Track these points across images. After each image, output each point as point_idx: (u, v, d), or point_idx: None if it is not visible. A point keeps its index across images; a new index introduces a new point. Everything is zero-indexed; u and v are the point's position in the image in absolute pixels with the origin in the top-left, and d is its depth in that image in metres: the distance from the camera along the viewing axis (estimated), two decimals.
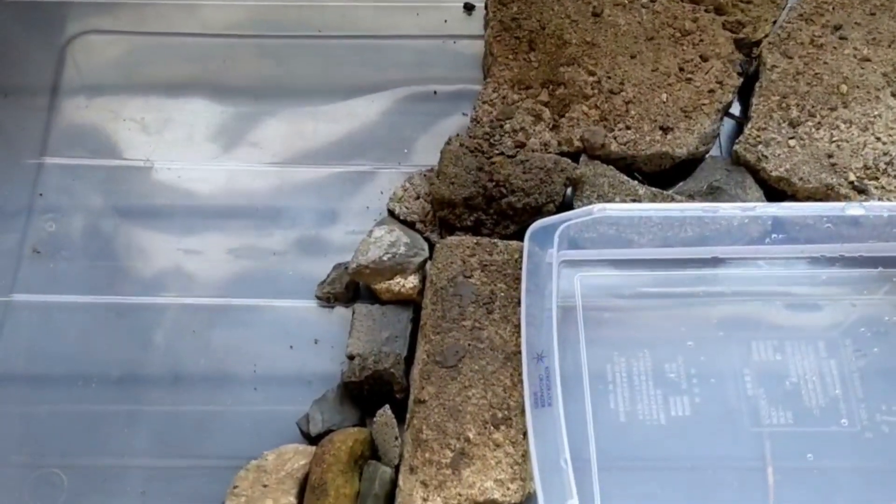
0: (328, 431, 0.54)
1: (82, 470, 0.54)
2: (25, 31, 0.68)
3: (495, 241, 0.57)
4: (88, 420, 0.55)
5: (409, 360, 0.55)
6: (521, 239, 0.56)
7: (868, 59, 0.62)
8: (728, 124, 0.65)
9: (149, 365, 0.57)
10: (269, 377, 0.57)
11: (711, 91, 0.62)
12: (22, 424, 0.55)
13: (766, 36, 0.64)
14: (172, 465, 0.54)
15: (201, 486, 0.53)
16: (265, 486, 0.51)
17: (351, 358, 0.55)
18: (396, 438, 0.52)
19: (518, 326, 0.53)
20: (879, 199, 0.57)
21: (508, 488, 0.49)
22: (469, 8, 0.69)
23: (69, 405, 0.55)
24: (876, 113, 0.60)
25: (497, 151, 0.60)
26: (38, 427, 0.55)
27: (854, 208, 0.54)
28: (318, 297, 0.59)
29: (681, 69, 0.63)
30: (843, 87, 0.61)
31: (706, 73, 0.63)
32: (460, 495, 0.49)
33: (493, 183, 0.58)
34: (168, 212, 0.62)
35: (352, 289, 0.59)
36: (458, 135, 0.60)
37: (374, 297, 0.58)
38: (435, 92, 0.66)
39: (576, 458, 0.49)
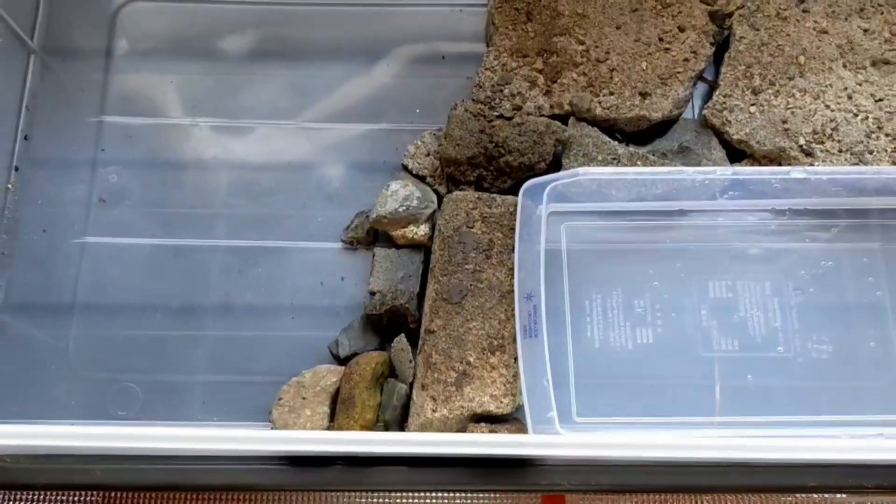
0: (354, 354, 0.64)
1: (153, 384, 0.65)
2: (79, 0, 0.76)
3: (494, 195, 0.66)
4: (156, 343, 0.66)
5: (421, 296, 0.65)
6: (517, 192, 0.64)
7: (825, 32, 0.70)
8: (702, 86, 0.73)
9: (203, 297, 0.67)
10: (304, 308, 0.67)
11: (686, 60, 0.71)
12: (102, 345, 0.66)
13: (739, 8, 0.72)
14: (227, 380, 0.65)
15: (251, 397, 0.64)
16: (304, 398, 0.63)
17: (372, 294, 0.66)
18: (410, 361, 0.63)
19: (512, 270, 0.63)
20: (823, 162, 0.66)
21: (501, 402, 0.61)
22: None
23: (140, 331, 0.66)
24: (828, 83, 0.68)
25: (496, 114, 0.69)
26: (116, 348, 0.66)
27: (798, 172, 0.63)
28: (343, 241, 0.69)
29: (660, 39, 0.71)
30: (801, 59, 0.69)
31: (682, 42, 0.71)
32: (462, 407, 0.60)
33: (493, 144, 0.67)
34: (212, 164, 0.71)
35: (372, 234, 0.69)
36: (462, 100, 0.69)
37: (391, 242, 0.68)
38: (443, 56, 0.74)
39: (557, 378, 0.60)
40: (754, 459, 0.52)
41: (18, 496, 0.65)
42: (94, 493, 0.64)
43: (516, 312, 0.61)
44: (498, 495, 0.64)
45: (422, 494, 0.64)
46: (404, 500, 0.63)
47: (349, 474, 0.55)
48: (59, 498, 0.65)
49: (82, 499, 0.64)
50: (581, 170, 0.63)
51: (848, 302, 0.64)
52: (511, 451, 0.48)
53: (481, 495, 0.63)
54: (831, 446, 0.49)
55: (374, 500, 0.63)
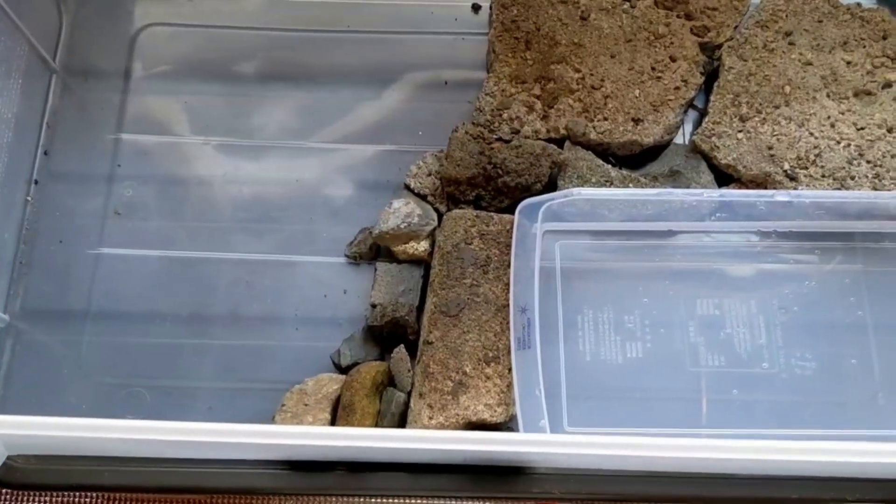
0: (355, 364, 0.66)
1: (161, 389, 0.67)
2: (102, 23, 0.78)
3: (491, 214, 0.69)
4: (165, 350, 0.68)
5: (420, 309, 0.68)
6: (514, 212, 0.67)
7: (810, 63, 0.73)
8: (692, 113, 0.76)
9: (212, 307, 0.70)
10: (308, 319, 0.70)
11: (677, 88, 0.74)
12: (113, 352, 0.68)
13: (728, 40, 0.75)
14: (232, 386, 0.68)
15: (255, 403, 0.66)
16: (306, 404, 0.65)
17: (373, 306, 0.69)
18: (409, 371, 0.66)
19: (508, 285, 0.65)
20: (806, 186, 0.69)
21: (496, 411, 0.63)
22: (476, 8, 0.80)
23: (150, 338, 0.68)
24: (812, 111, 0.71)
25: (495, 137, 0.72)
26: (126, 354, 0.68)
27: (782, 196, 0.66)
28: (347, 256, 0.72)
29: (653, 68, 0.74)
30: (787, 88, 0.72)
31: (674, 72, 0.74)
32: (458, 415, 0.63)
33: (492, 165, 0.70)
34: (223, 181, 0.74)
35: (374, 249, 0.71)
36: (463, 123, 0.72)
37: (392, 257, 0.70)
38: (446, 82, 0.77)
39: (549, 389, 0.62)
40: (739, 461, 0.54)
41: (28, 496, 0.67)
42: (102, 494, 0.67)
43: (511, 325, 0.63)
44: (491, 502, 0.66)
45: (419, 500, 0.66)
46: None
47: (349, 479, 0.57)
48: (67, 499, 0.67)
49: (90, 500, 0.67)
50: (575, 190, 0.66)
51: (830, 320, 0.67)
52: (500, 448, 0.50)
53: (476, 502, 0.66)
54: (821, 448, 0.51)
55: None
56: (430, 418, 0.63)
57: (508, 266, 0.66)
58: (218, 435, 0.51)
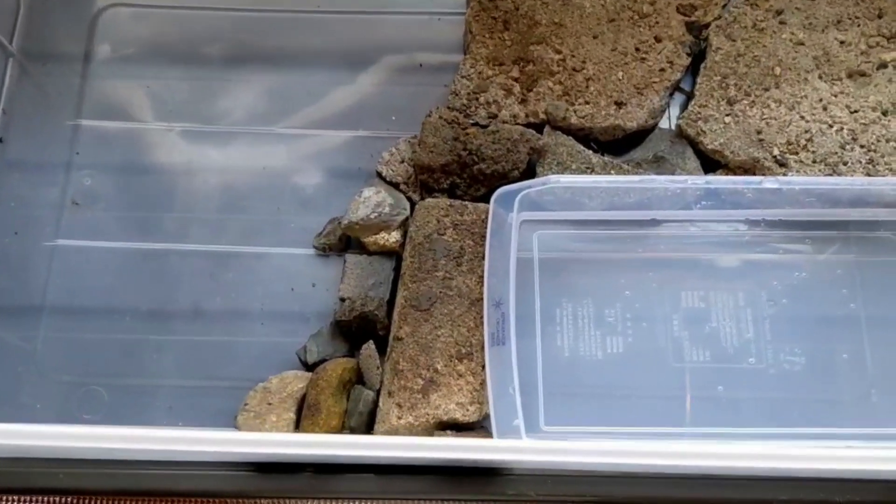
0: (322, 361, 0.64)
1: (120, 387, 0.65)
2: (61, 4, 0.75)
3: (466, 203, 0.66)
4: (124, 346, 0.66)
5: (391, 303, 0.65)
6: (489, 201, 0.64)
7: (802, 43, 0.70)
8: (678, 96, 0.73)
9: (173, 301, 0.67)
10: (274, 314, 0.67)
11: (662, 70, 0.70)
12: (70, 349, 0.66)
13: (716, 19, 0.72)
14: (194, 385, 0.65)
15: (218, 402, 0.64)
16: (270, 403, 0.62)
17: (342, 300, 0.66)
18: (378, 368, 0.63)
19: (482, 277, 0.62)
20: (797, 173, 0.66)
21: (468, 410, 0.60)
22: None
23: (108, 334, 0.66)
24: (803, 94, 0.68)
25: (471, 122, 0.69)
26: (84, 351, 0.65)
27: (770, 183, 0.63)
28: (315, 247, 0.69)
29: (637, 49, 0.71)
30: (777, 70, 0.69)
31: (659, 53, 0.71)
32: (428, 415, 0.60)
33: (467, 151, 0.67)
34: (187, 169, 0.71)
35: (344, 240, 0.68)
36: (437, 107, 0.69)
37: (362, 248, 0.67)
38: (420, 65, 0.74)
39: (525, 387, 0.59)
40: (720, 468, 0.51)
41: None
42: (58, 497, 0.64)
43: (485, 320, 0.61)
44: None
45: (389, 502, 0.63)
46: None
47: (317, 482, 0.55)
48: (23, 501, 0.64)
49: (46, 502, 0.64)
50: (553, 177, 0.63)
51: (821, 314, 0.64)
52: (472, 455, 0.47)
53: None
54: (802, 455, 0.49)
55: None
56: (399, 418, 0.60)
57: (483, 258, 0.63)
58: (174, 443, 0.49)
